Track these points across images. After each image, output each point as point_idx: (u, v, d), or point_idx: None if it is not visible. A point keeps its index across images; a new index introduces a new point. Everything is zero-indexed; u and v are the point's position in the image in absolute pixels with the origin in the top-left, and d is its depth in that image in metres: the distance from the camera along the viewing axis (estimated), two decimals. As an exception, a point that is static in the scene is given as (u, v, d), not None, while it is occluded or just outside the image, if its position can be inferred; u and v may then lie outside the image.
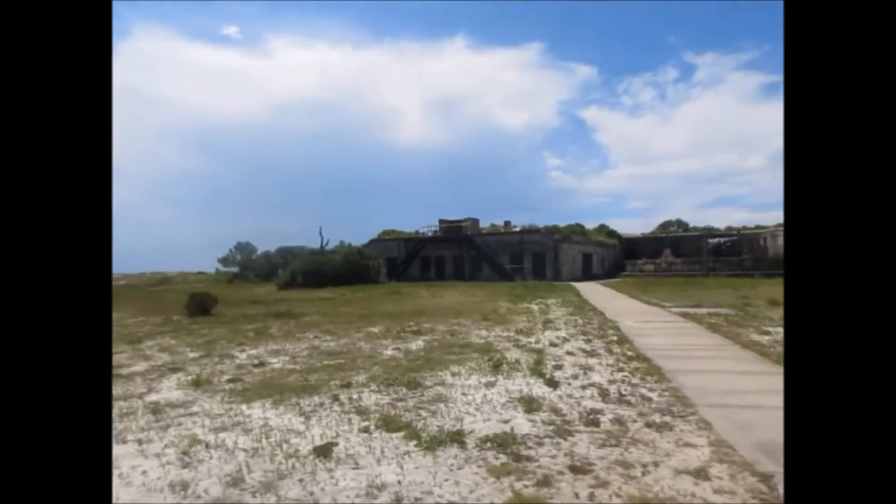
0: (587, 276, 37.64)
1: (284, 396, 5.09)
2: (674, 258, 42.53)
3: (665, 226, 51.80)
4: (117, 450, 3.72)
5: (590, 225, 46.26)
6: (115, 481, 3.22)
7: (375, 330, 9.95)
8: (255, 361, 7.04)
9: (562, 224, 41.47)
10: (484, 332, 9.22)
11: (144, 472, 3.35)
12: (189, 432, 4.11)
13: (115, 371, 6.69)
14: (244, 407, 4.79)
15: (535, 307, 14.40)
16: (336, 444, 3.72)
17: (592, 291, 21.33)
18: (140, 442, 3.92)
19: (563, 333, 8.97)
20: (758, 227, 46.36)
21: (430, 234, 42.01)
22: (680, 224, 50.70)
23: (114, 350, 8.33)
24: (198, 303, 16.02)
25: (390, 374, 5.97)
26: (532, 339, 8.33)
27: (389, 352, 7.54)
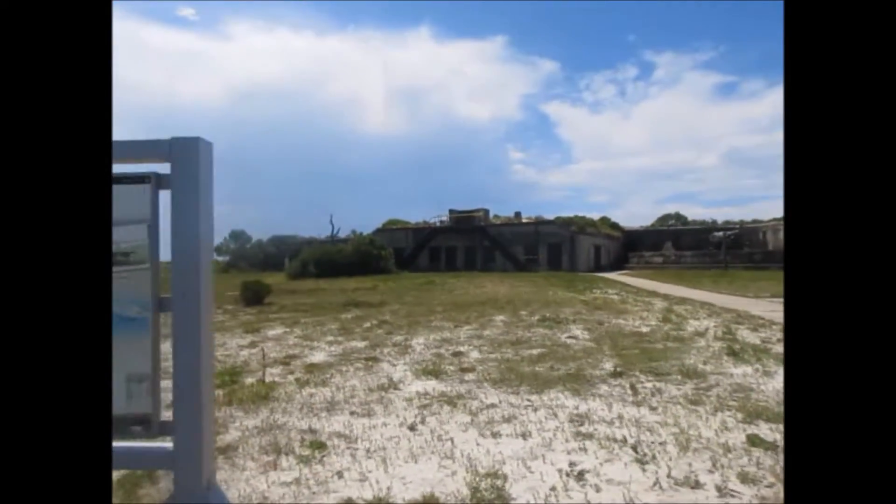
0: (598, 267, 37.75)
1: (580, 386, 4.58)
2: (676, 251, 43.05)
3: (664, 219, 52.43)
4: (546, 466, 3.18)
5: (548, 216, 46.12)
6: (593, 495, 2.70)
7: (499, 318, 9.43)
8: (450, 351, 6.46)
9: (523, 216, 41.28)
10: (636, 323, 8.80)
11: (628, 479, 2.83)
12: (571, 427, 3.58)
13: (307, 360, 6.05)
14: (568, 398, 4.26)
15: (613, 297, 14.07)
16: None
17: (638, 282, 21.21)
18: (549, 444, 3.37)
19: (739, 326, 8.61)
20: (755, 220, 47.41)
21: (438, 223, 41.41)
22: (678, 218, 51.38)
23: (246, 340, 7.62)
24: (252, 291, 15.36)
25: (632, 362, 5.50)
26: (719, 329, 7.96)
27: (567, 339, 7.07)
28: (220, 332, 8.23)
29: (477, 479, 2.76)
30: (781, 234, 38.96)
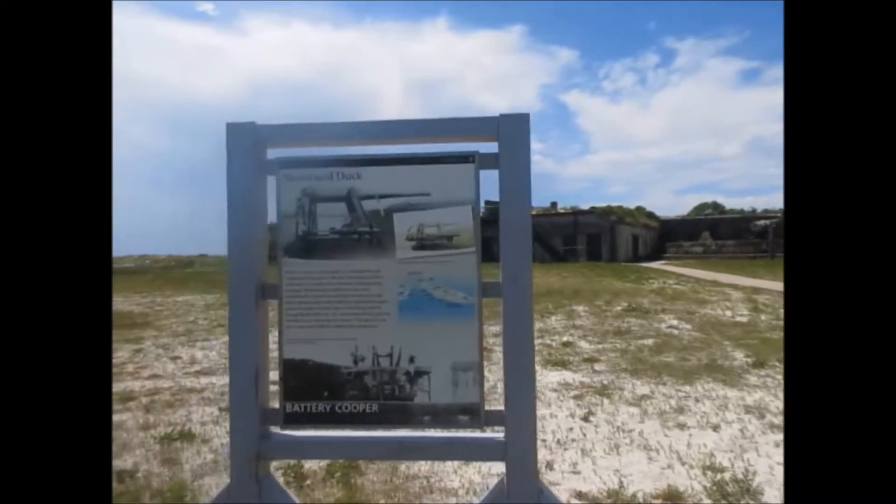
0: (636, 258, 37.18)
1: (727, 377, 4.43)
2: (713, 241, 42.05)
3: (700, 208, 51.32)
4: None
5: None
6: None
7: (580, 309, 9.27)
8: (557, 341, 6.34)
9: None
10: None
11: None
12: None
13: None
14: (723, 388, 4.12)
15: (678, 287, 13.76)
16: None
17: (688, 271, 20.76)
18: (751, 437, 3.24)
19: None
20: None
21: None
22: (716, 207, 50.22)
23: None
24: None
25: (760, 352, 5.31)
26: None
27: (669, 330, 6.88)
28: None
29: (705, 473, 2.65)
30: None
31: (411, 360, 1.65)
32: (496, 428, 1.67)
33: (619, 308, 9.11)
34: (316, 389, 1.66)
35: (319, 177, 1.67)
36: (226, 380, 4.74)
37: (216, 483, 2.75)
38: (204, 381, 5.03)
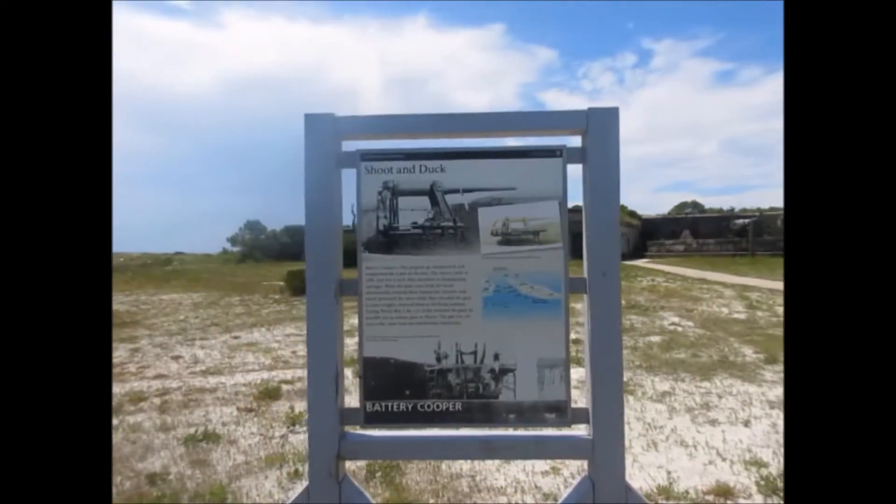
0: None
1: (742, 372, 4.50)
2: (694, 239, 42.77)
3: (680, 207, 52.18)
4: None
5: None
6: None
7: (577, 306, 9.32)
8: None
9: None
10: None
11: None
12: None
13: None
14: (743, 384, 4.18)
15: (668, 284, 13.96)
16: None
17: (674, 269, 21.09)
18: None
19: None
20: (772, 208, 47.13)
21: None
22: (696, 205, 51.11)
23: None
24: (300, 280, 15.38)
25: (768, 349, 5.41)
26: None
27: (672, 326, 6.97)
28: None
29: (748, 469, 2.68)
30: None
31: (496, 357, 1.62)
32: (576, 426, 1.66)
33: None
34: (397, 388, 1.62)
35: (402, 170, 1.63)
36: (236, 380, 4.65)
37: (255, 485, 2.68)
38: (213, 380, 4.91)
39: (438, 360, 1.61)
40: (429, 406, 1.61)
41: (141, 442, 3.32)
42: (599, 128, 1.61)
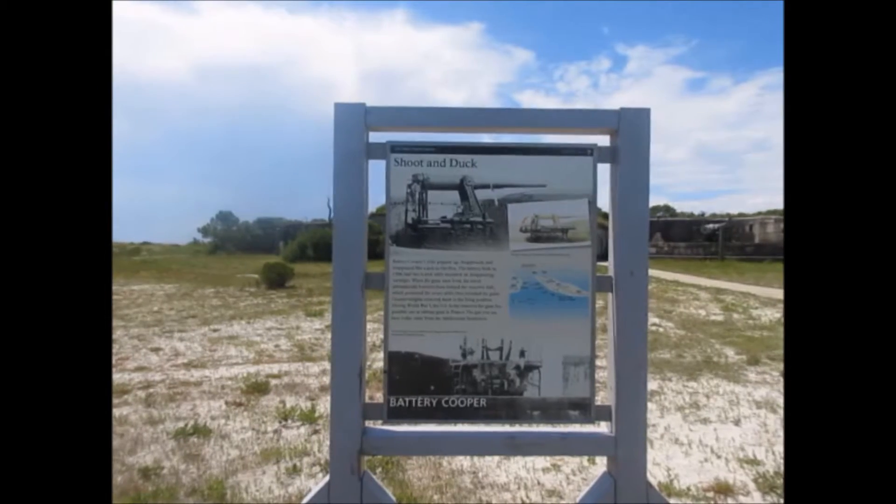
0: (594, 257, 38.00)
1: (727, 373, 4.62)
2: (665, 242, 43.69)
3: (653, 211, 53.15)
4: None
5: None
6: None
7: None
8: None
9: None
10: None
11: None
12: None
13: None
14: (728, 384, 4.29)
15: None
16: None
17: (668, 275, 21.42)
18: (775, 431, 3.38)
19: None
20: (740, 214, 48.45)
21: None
22: (667, 210, 52.18)
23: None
24: (276, 273, 15.14)
25: (748, 349, 5.57)
26: None
27: (652, 327, 7.11)
28: (311, 316, 8.01)
29: (743, 466, 2.75)
30: (769, 228, 39.85)
31: (522, 353, 1.62)
32: (599, 423, 1.67)
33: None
34: (422, 383, 1.60)
35: (432, 163, 1.61)
36: (221, 373, 4.54)
37: (252, 480, 2.63)
38: (197, 374, 4.79)
39: (464, 355, 1.60)
40: (453, 402, 1.60)
41: (129, 435, 3.22)
42: (631, 127, 1.62)
